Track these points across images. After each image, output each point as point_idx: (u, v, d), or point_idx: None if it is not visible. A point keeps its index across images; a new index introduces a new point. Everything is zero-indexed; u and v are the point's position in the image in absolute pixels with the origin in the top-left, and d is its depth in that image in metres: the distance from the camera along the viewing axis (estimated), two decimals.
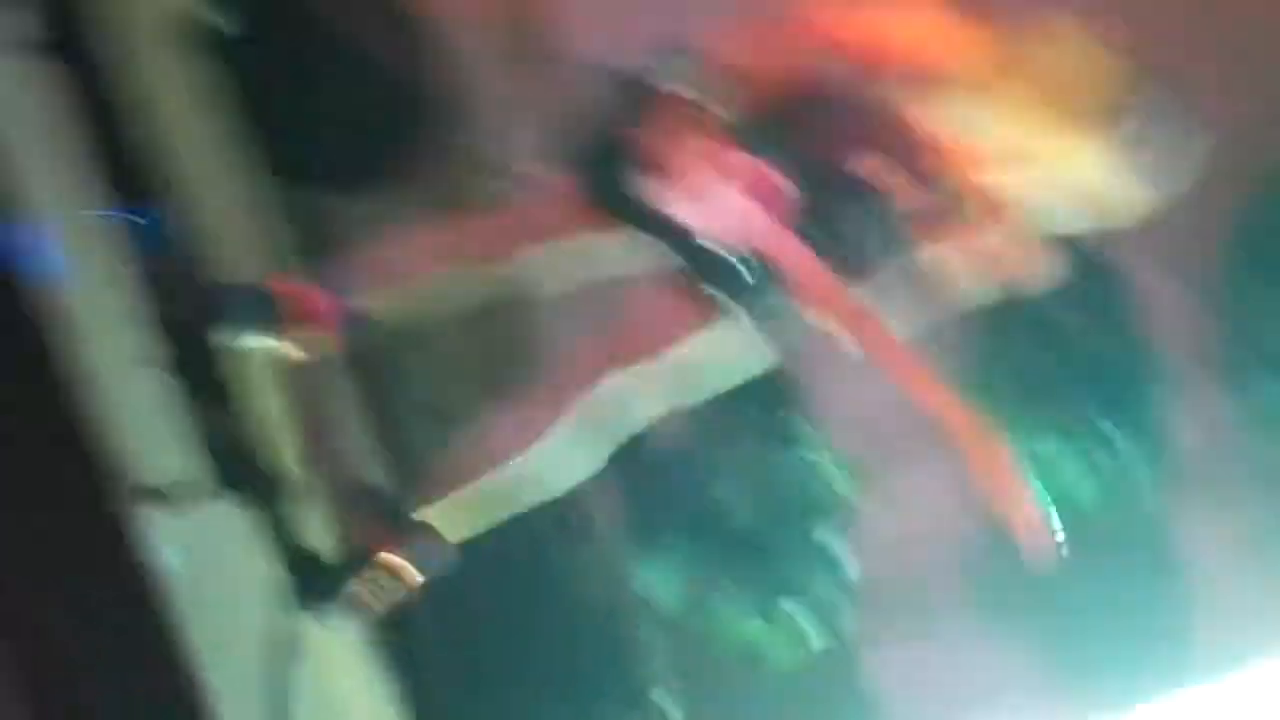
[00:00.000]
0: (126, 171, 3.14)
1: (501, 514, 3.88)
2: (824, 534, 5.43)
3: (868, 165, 3.64)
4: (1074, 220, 3.53)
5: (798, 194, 3.62)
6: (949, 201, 3.57)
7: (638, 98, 3.70)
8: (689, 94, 3.62)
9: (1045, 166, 3.50)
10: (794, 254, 3.60)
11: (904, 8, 3.67)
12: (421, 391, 6.02)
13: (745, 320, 3.75)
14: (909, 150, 3.60)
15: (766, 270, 3.64)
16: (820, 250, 3.62)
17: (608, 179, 3.75)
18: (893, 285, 3.73)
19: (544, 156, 3.91)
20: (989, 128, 3.50)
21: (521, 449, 3.84)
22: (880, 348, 3.59)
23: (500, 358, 6.19)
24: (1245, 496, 5.64)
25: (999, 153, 3.50)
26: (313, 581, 3.72)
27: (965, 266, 3.69)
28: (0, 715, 2.61)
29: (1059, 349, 5.61)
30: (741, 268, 3.64)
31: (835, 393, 5.48)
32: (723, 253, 3.65)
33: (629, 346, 3.78)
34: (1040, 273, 3.65)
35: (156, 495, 2.86)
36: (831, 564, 5.44)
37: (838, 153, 3.68)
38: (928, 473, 5.96)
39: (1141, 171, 3.43)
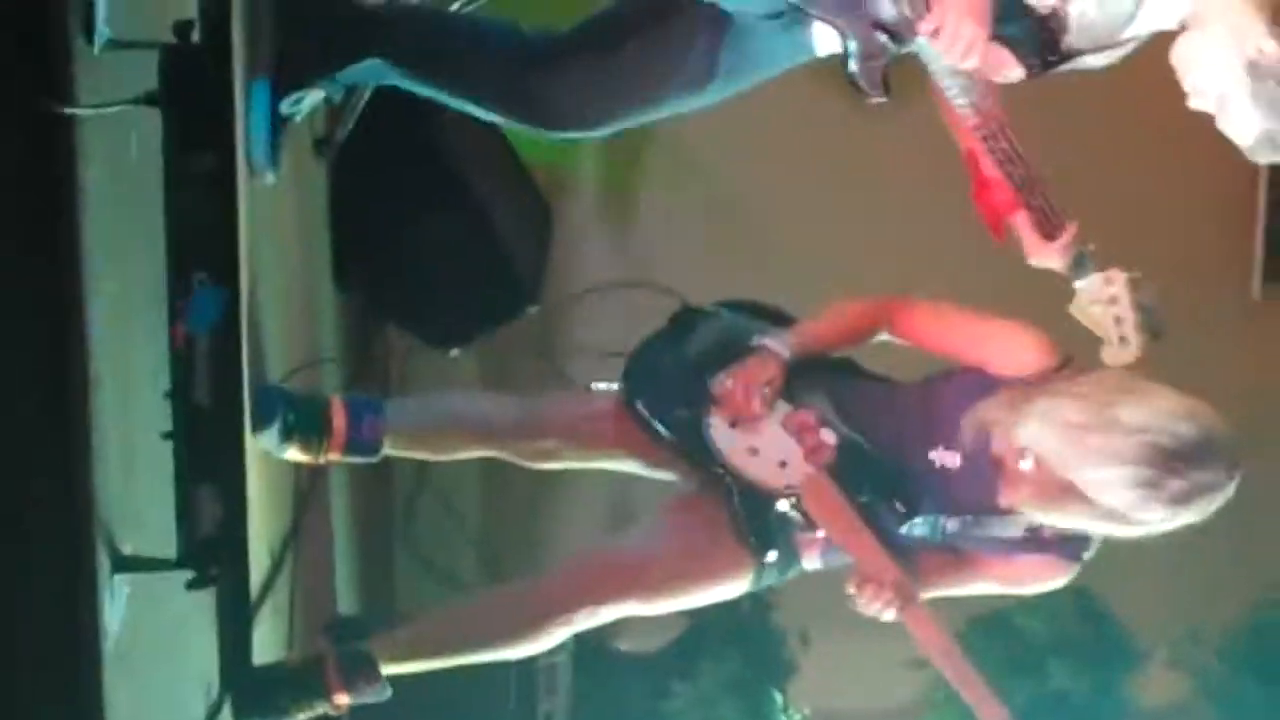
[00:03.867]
0: (197, 239, 3.12)
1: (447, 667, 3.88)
2: None
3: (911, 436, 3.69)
4: None
5: (839, 443, 3.66)
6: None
7: (726, 343, 3.75)
8: (777, 349, 3.67)
9: None
10: (826, 497, 3.61)
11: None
12: (419, 537, 6.01)
13: (767, 569, 3.77)
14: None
15: (798, 510, 3.66)
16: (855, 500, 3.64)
17: (669, 405, 3.77)
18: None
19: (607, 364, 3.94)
20: None
21: (499, 640, 3.84)
22: (899, 599, 3.58)
23: (506, 528, 6.17)
24: None
25: None
26: (248, 690, 3.67)
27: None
28: None
29: None
30: (777, 505, 3.66)
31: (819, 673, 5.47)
32: (761, 489, 3.67)
33: (648, 583, 3.78)
34: None
35: (122, 557, 2.81)
36: None
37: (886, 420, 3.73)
38: None
39: None
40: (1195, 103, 3.47)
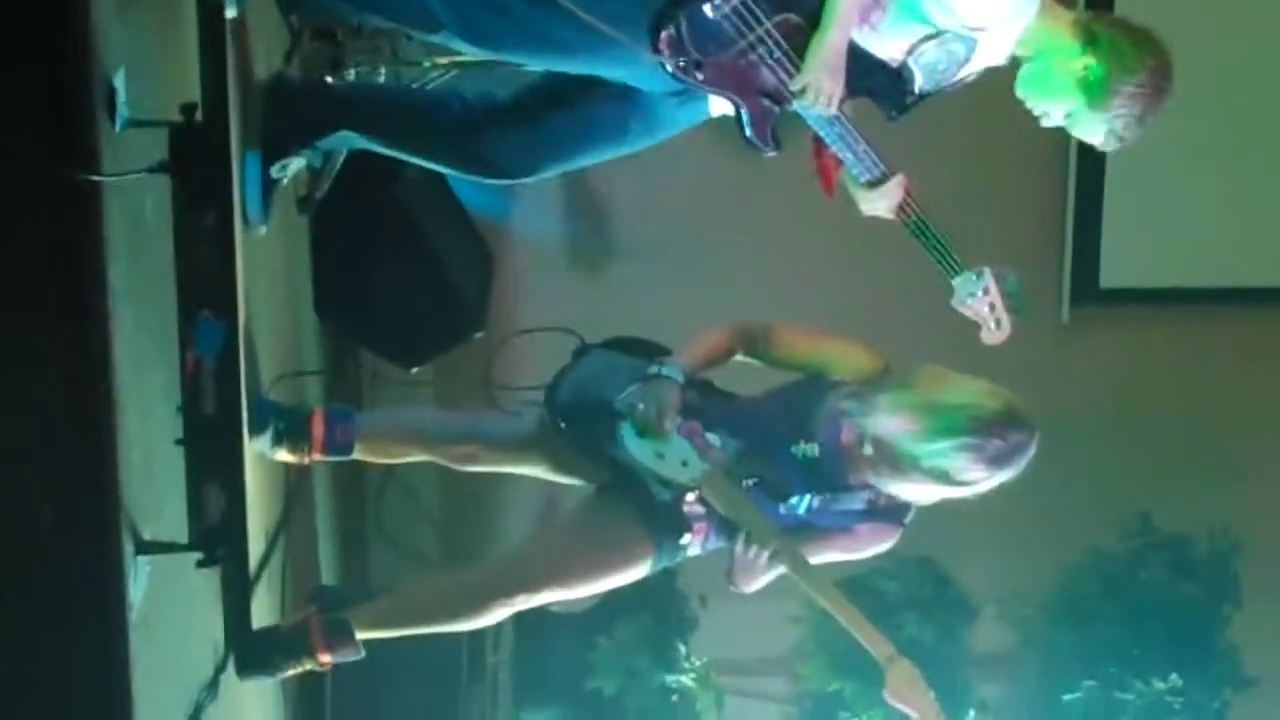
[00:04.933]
0: (202, 282, 3.14)
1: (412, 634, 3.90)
2: None
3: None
4: None
5: (722, 444, 3.69)
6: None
7: (622, 371, 3.79)
8: (675, 376, 3.71)
9: None
10: (720, 487, 3.65)
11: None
12: (388, 522, 6.02)
13: (662, 555, 3.81)
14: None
15: (701, 502, 3.70)
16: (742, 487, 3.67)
17: (586, 421, 3.81)
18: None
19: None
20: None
21: (454, 618, 3.87)
22: (785, 554, 3.65)
23: (461, 513, 6.18)
24: None
25: None
26: (247, 650, 3.68)
27: None
28: None
29: None
30: (686, 498, 3.70)
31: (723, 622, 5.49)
32: (671, 485, 3.71)
33: (568, 574, 3.83)
34: None
35: (143, 542, 2.82)
36: None
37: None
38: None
39: None
40: (1046, 123, 3.57)
